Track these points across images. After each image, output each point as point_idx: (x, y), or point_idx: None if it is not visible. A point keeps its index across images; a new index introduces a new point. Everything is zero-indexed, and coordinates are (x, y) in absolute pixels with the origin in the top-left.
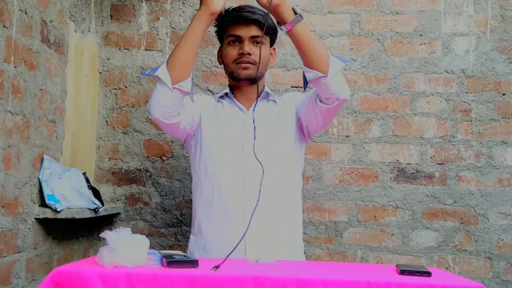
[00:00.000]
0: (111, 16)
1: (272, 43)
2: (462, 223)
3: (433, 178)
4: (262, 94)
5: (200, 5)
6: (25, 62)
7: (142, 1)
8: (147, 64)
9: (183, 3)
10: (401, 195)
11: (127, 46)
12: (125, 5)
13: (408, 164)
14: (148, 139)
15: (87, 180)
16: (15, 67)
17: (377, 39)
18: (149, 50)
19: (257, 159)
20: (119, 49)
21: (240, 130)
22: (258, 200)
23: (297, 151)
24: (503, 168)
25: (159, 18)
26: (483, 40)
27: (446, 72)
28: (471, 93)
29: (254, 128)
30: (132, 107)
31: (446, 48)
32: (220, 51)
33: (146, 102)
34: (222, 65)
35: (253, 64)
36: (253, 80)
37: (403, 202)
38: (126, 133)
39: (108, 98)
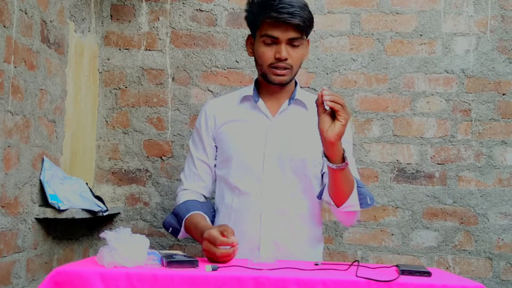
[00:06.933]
0: (111, 16)
1: (307, 35)
2: (462, 223)
3: (433, 178)
4: (292, 101)
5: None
6: (25, 62)
7: (142, 1)
8: (147, 64)
9: (183, 3)
10: (401, 195)
11: (127, 46)
12: (125, 5)
13: (408, 164)
14: (148, 139)
15: (90, 190)
16: (15, 67)
17: (377, 39)
18: (149, 50)
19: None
20: (119, 49)
21: (262, 139)
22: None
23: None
24: (503, 168)
25: (159, 18)
26: (483, 40)
27: (446, 72)
28: (471, 93)
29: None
30: (132, 107)
31: (446, 48)
32: (249, 39)
33: (146, 102)
34: (252, 56)
35: (289, 69)
36: (287, 83)
37: (403, 202)
38: (126, 133)
39: (108, 98)
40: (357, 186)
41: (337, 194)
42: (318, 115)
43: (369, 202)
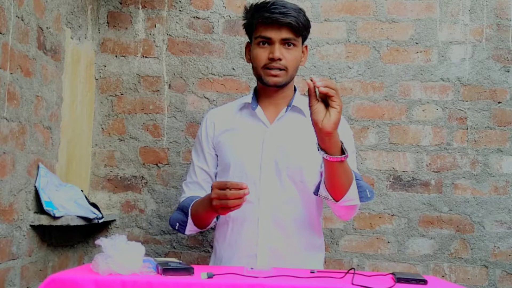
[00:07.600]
0: (107, 23)
1: (304, 40)
2: (458, 231)
3: (429, 186)
4: (289, 108)
5: (211, 206)
6: (21, 68)
7: (138, 8)
8: (144, 71)
9: (180, 10)
10: (397, 203)
11: (124, 53)
12: (122, 12)
13: (404, 171)
14: (144, 146)
15: (85, 197)
16: (11, 73)
17: (373, 47)
18: (146, 57)
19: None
20: (116, 56)
21: (259, 147)
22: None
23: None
24: (499, 176)
25: (155, 25)
26: (478, 48)
27: (442, 80)
28: (466, 101)
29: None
30: (128, 114)
31: (442, 56)
32: (247, 47)
33: (142, 109)
34: (250, 63)
35: (283, 70)
36: (282, 86)
37: (399, 210)
38: (122, 140)
39: (104, 105)
40: (355, 179)
41: (335, 188)
42: (311, 106)
43: (369, 195)
